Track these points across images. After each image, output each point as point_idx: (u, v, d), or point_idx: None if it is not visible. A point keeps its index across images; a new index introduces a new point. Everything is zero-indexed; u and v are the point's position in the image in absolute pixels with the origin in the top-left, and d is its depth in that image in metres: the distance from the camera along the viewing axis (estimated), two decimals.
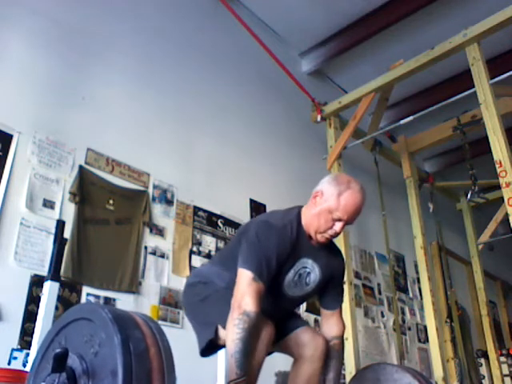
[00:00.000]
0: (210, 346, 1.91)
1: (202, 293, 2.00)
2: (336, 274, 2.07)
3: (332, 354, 2.02)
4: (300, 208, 2.00)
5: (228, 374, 1.70)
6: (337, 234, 1.93)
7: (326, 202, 1.89)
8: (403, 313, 5.82)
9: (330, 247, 2.04)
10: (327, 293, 2.08)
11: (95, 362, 1.26)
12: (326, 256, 2.01)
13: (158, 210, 3.80)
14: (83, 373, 1.26)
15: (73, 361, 1.28)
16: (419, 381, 2.10)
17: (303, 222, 1.95)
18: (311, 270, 1.97)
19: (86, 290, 3.16)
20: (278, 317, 1.92)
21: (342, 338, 2.07)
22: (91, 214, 3.37)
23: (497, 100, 3.81)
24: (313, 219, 1.92)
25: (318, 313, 4.55)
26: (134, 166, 3.76)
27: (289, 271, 1.92)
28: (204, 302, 1.98)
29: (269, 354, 1.92)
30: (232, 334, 1.70)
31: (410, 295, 6.10)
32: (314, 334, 2.04)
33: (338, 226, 1.90)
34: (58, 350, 1.26)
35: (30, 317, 2.80)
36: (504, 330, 7.56)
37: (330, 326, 2.07)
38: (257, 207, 4.54)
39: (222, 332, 1.84)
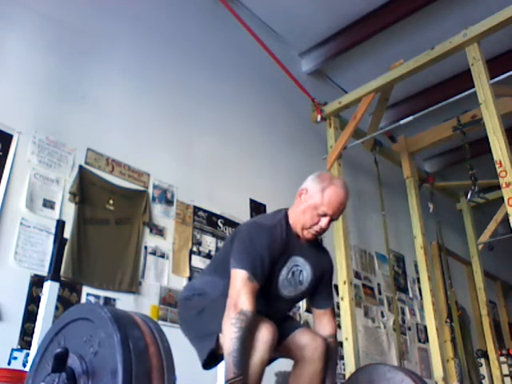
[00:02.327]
0: (212, 357, 1.88)
1: (199, 305, 1.98)
2: (326, 272, 2.12)
3: (329, 353, 2.03)
4: (286, 209, 2.06)
5: (226, 372, 1.69)
6: (323, 230, 1.98)
7: (311, 199, 1.96)
8: (403, 313, 5.82)
9: (318, 246, 2.10)
10: (318, 292, 2.11)
11: (95, 361, 1.26)
12: (315, 255, 2.06)
13: (158, 210, 3.80)
14: (83, 372, 1.25)
15: (73, 361, 1.28)
16: (411, 378, 2.13)
17: (290, 221, 2.01)
18: (303, 268, 2.00)
19: (86, 290, 3.16)
20: (273, 319, 1.89)
21: (336, 337, 2.10)
22: (91, 214, 3.37)
23: (497, 100, 3.80)
24: (299, 216, 1.98)
25: None
26: (134, 166, 3.76)
27: (282, 270, 1.94)
28: (201, 314, 1.96)
29: (270, 362, 1.88)
30: (229, 333, 1.70)
31: (410, 295, 6.09)
32: (313, 334, 2.04)
33: (323, 221, 1.95)
34: (58, 350, 1.25)
35: (30, 317, 2.79)
36: (504, 330, 7.56)
37: (323, 325, 2.10)
38: (257, 207, 4.54)
39: (222, 338, 1.80)
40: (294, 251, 1.98)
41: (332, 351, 2.05)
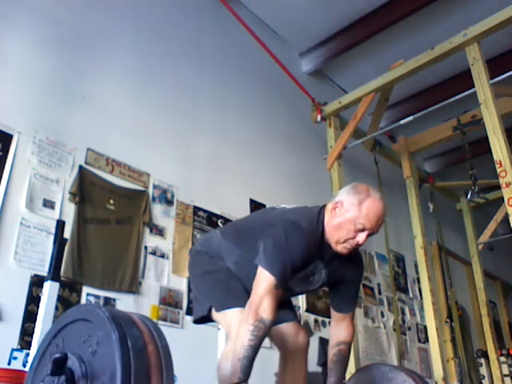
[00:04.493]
0: (203, 318, 2.00)
1: (204, 266, 2.02)
2: (348, 279, 2.02)
3: (337, 358, 2.01)
4: (323, 209, 1.93)
5: (230, 375, 1.67)
6: (359, 246, 1.86)
7: (347, 212, 1.83)
8: (403, 313, 5.82)
9: (349, 255, 1.94)
10: (340, 295, 2.04)
11: (93, 360, 1.26)
12: (340, 263, 1.95)
13: (158, 210, 3.80)
14: (82, 374, 1.25)
15: (72, 362, 1.27)
16: (413, 378, 2.13)
17: (325, 229, 1.89)
18: (317, 272, 1.93)
19: (86, 290, 3.17)
20: None
21: (349, 344, 2.04)
22: (91, 214, 3.37)
23: (497, 100, 3.80)
24: (334, 230, 1.85)
25: (317, 313, 4.55)
26: (134, 166, 3.76)
27: (300, 272, 1.89)
28: (204, 277, 2.01)
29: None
30: (244, 339, 1.67)
31: (410, 295, 6.09)
32: (299, 330, 2.04)
33: (361, 236, 1.83)
34: (57, 355, 1.25)
35: (30, 317, 2.80)
36: (504, 330, 7.56)
37: (339, 330, 2.04)
38: (257, 207, 4.53)
39: (214, 313, 1.93)
40: (320, 257, 1.89)
41: (341, 357, 2.01)
